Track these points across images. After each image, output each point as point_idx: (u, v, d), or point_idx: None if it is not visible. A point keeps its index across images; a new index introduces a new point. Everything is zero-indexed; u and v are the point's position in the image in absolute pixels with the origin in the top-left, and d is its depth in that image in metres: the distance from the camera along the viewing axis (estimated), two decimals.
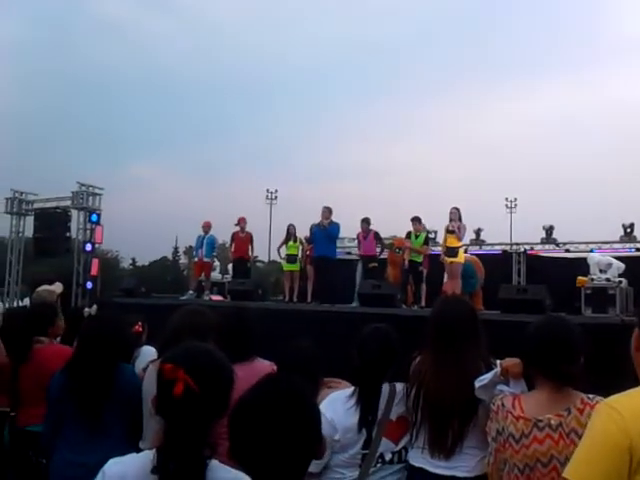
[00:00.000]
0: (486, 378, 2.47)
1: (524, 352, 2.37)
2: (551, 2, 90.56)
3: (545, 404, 2.21)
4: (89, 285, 14.33)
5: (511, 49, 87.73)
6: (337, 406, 2.57)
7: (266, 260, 39.34)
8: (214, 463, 1.46)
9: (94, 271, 14.50)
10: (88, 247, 14.55)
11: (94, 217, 14.75)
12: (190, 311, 2.98)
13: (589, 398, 2.19)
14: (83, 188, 14.78)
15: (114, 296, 12.42)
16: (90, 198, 14.85)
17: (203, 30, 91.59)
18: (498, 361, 2.55)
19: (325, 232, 11.14)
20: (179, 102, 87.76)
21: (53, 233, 15.01)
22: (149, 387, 2.80)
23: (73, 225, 15.05)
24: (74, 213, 15.00)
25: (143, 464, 1.46)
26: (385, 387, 2.64)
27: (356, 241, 12.25)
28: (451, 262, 10.28)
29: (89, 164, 63.04)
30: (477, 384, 2.49)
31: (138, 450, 3.10)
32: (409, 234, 10.97)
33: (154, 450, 1.48)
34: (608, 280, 9.58)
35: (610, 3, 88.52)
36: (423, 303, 10.30)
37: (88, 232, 14.74)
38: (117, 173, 73.12)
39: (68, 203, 14.97)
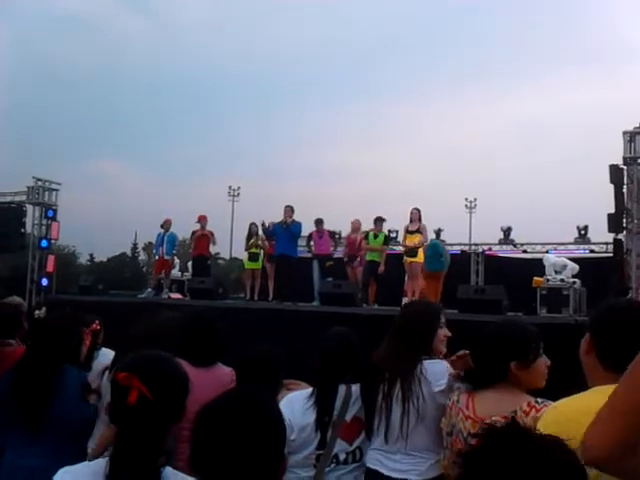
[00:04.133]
0: (443, 383, 2.53)
1: (478, 351, 2.42)
2: (521, 7, 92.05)
3: (495, 404, 2.26)
4: (44, 282, 13.99)
5: (478, 54, 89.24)
6: (294, 406, 2.60)
7: (227, 257, 39.12)
8: (168, 471, 1.45)
9: (50, 268, 14.17)
10: (44, 243, 14.20)
11: (50, 213, 14.41)
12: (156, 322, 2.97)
13: (537, 402, 2.22)
14: (39, 183, 14.44)
15: (70, 293, 12.15)
16: (46, 193, 14.51)
17: (167, 27, 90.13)
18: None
19: (287, 230, 11.13)
20: (140, 98, 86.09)
21: (7, 228, 14.61)
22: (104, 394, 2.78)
23: (28, 221, 14.69)
24: (29, 208, 14.63)
25: (95, 473, 1.43)
26: (341, 388, 2.67)
27: (307, 242, 12.28)
28: (411, 262, 10.40)
29: (46, 159, 61.38)
30: (436, 389, 2.55)
31: (84, 450, 3.10)
32: (367, 234, 11.07)
33: (107, 459, 1.45)
34: (562, 281, 9.83)
35: (578, 11, 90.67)
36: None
37: (44, 228, 14.40)
38: (75, 168, 71.37)
39: (23, 198, 14.59)
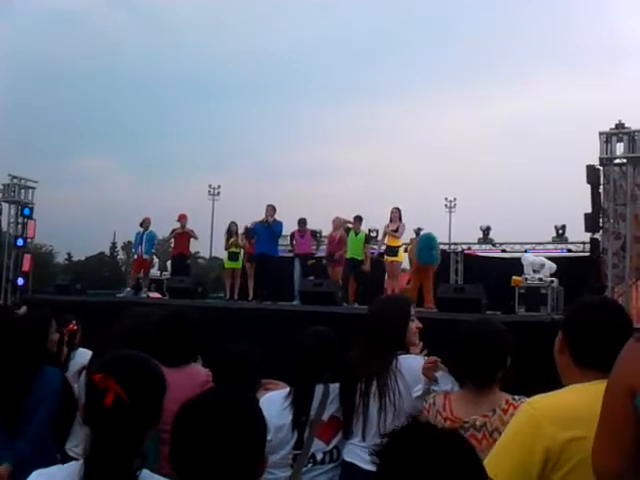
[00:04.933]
0: (420, 389, 2.55)
1: (454, 353, 2.44)
2: (506, 7, 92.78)
3: (472, 405, 2.27)
4: (20, 281, 13.77)
5: (461, 52, 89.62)
6: (271, 406, 2.57)
7: (207, 256, 38.90)
8: (145, 472, 1.43)
9: (26, 267, 13.95)
10: (19, 242, 13.98)
11: (26, 211, 14.18)
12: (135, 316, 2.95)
13: (514, 399, 2.26)
14: (15, 181, 14.20)
15: (46, 292, 11.98)
16: (22, 191, 14.28)
17: (156, 23, 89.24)
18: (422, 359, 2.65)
19: (269, 230, 11.10)
20: (120, 97, 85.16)
21: None
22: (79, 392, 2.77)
23: (4, 219, 14.46)
24: (5, 207, 14.39)
25: (69, 475, 1.41)
26: (319, 388, 2.66)
27: (290, 241, 12.26)
28: (391, 261, 10.43)
29: (22, 157, 60.44)
30: (414, 395, 2.57)
31: (62, 451, 3.08)
32: (348, 230, 11.09)
33: (81, 461, 1.42)
34: (540, 280, 9.94)
35: (560, 9, 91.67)
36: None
37: (20, 226, 14.17)
38: (53, 166, 70.58)
39: None
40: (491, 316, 7.77)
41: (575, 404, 1.59)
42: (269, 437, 2.50)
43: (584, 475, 1.48)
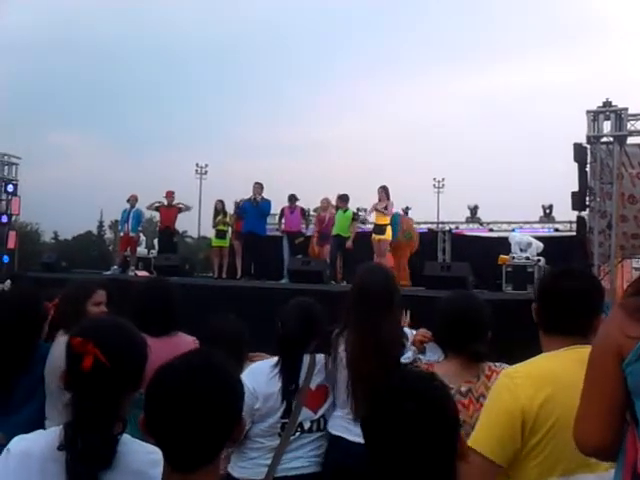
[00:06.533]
0: (408, 357, 2.57)
1: (435, 326, 2.45)
2: None
3: (455, 374, 2.29)
4: (5, 259, 13.65)
5: (446, 30, 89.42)
6: (258, 375, 2.59)
7: (195, 236, 38.74)
8: (126, 437, 1.42)
9: (11, 244, 13.82)
10: (4, 219, 13.83)
11: (10, 187, 14.00)
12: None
13: (495, 365, 2.30)
14: None
15: (32, 270, 11.88)
16: (5, 168, 14.09)
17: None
18: (410, 332, 2.69)
19: (257, 208, 11.05)
20: (105, 70, 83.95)
21: None
22: (54, 362, 2.72)
23: None
24: None
25: (50, 440, 1.40)
26: (306, 358, 2.67)
27: (279, 217, 12.18)
28: (379, 240, 10.45)
29: (6, 132, 59.52)
30: (402, 362, 2.57)
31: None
32: (337, 209, 11.07)
33: (61, 426, 1.41)
34: (527, 259, 10.01)
35: None
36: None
37: (4, 203, 14.00)
38: (38, 142, 69.66)
39: None
40: (472, 291, 7.83)
41: (546, 368, 1.65)
42: (257, 405, 2.53)
43: (561, 437, 1.50)
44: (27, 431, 1.52)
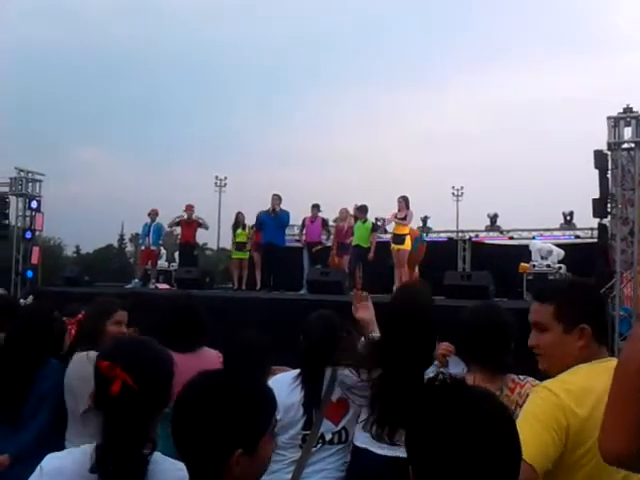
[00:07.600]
0: (431, 372, 2.55)
1: (459, 338, 2.44)
2: None
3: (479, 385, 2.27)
4: (29, 274, 13.83)
5: (466, 38, 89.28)
6: (280, 386, 2.58)
7: (215, 248, 38.93)
8: (157, 455, 1.43)
9: (34, 259, 13.98)
10: (28, 235, 14.03)
11: (34, 204, 14.21)
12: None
13: (519, 378, 2.28)
14: (22, 174, 14.22)
15: (54, 285, 12.04)
16: (30, 184, 14.30)
17: (151, 11, 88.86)
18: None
19: (275, 219, 11.09)
20: (125, 85, 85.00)
21: None
22: (68, 382, 2.74)
23: (12, 212, 14.48)
24: (12, 200, 14.43)
25: (80, 459, 1.42)
26: (328, 370, 2.68)
27: (300, 227, 12.17)
28: (398, 249, 10.42)
29: (28, 149, 60.50)
30: (425, 377, 2.55)
31: (59, 445, 3.06)
32: (356, 219, 11.07)
33: (93, 446, 1.43)
34: (548, 266, 9.95)
35: None
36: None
37: (28, 219, 14.20)
38: (60, 158, 70.67)
39: (6, 189, 14.37)
40: (495, 301, 7.76)
41: (584, 384, 1.61)
42: (279, 416, 2.54)
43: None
44: (36, 447, 1.54)
